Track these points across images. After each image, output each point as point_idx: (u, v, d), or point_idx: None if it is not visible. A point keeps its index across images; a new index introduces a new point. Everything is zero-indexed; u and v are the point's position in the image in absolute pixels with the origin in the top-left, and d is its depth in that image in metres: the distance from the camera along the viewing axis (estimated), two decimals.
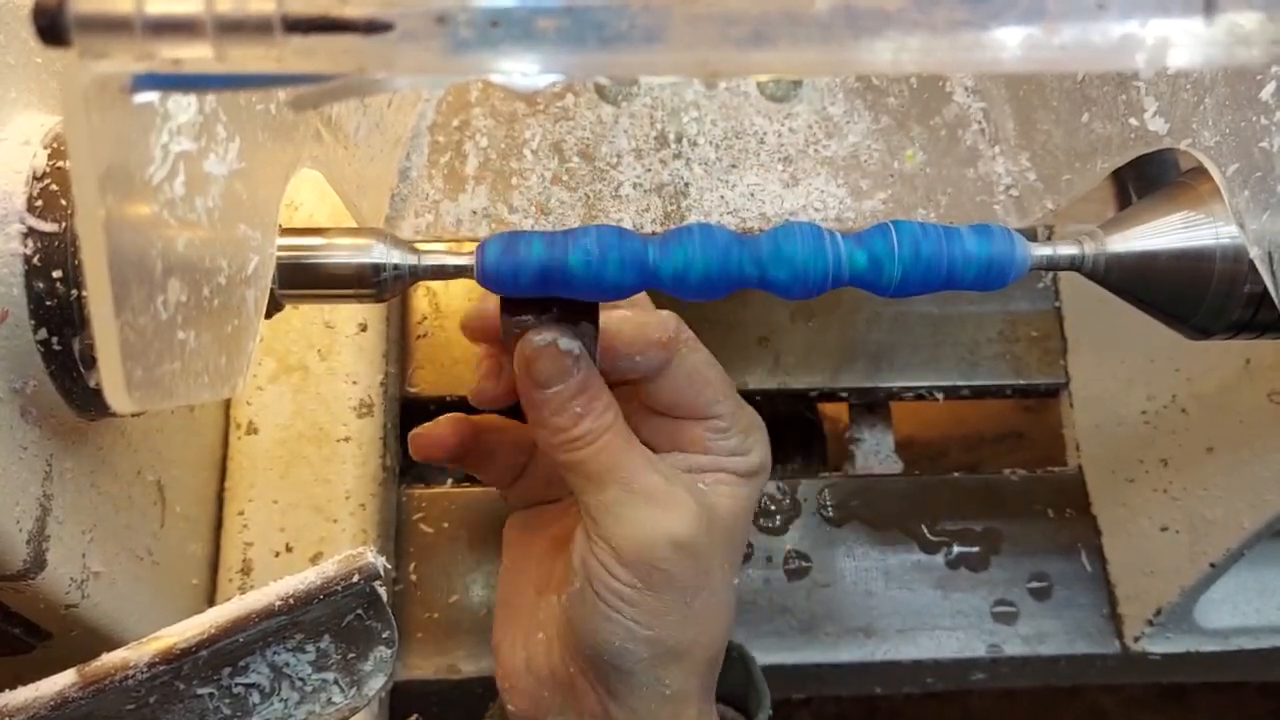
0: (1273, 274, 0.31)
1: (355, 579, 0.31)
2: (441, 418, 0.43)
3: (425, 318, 0.62)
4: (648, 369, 0.38)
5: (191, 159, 0.26)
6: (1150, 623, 0.58)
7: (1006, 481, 0.63)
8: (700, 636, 0.38)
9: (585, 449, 0.36)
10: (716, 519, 0.38)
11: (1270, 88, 0.30)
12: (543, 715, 0.40)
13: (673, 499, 0.37)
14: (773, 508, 0.62)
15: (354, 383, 0.54)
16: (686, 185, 0.48)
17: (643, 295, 0.41)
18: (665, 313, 0.39)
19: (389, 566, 0.31)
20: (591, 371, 0.36)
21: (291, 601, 0.30)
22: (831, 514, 0.62)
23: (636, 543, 0.36)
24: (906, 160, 0.49)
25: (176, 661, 0.29)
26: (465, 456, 0.43)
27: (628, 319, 0.38)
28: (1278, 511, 0.49)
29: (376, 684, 0.32)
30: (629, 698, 0.38)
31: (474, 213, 0.47)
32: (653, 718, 0.38)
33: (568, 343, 0.36)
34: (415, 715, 0.44)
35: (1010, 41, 0.21)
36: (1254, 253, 0.32)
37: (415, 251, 0.34)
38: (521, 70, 0.22)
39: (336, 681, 0.32)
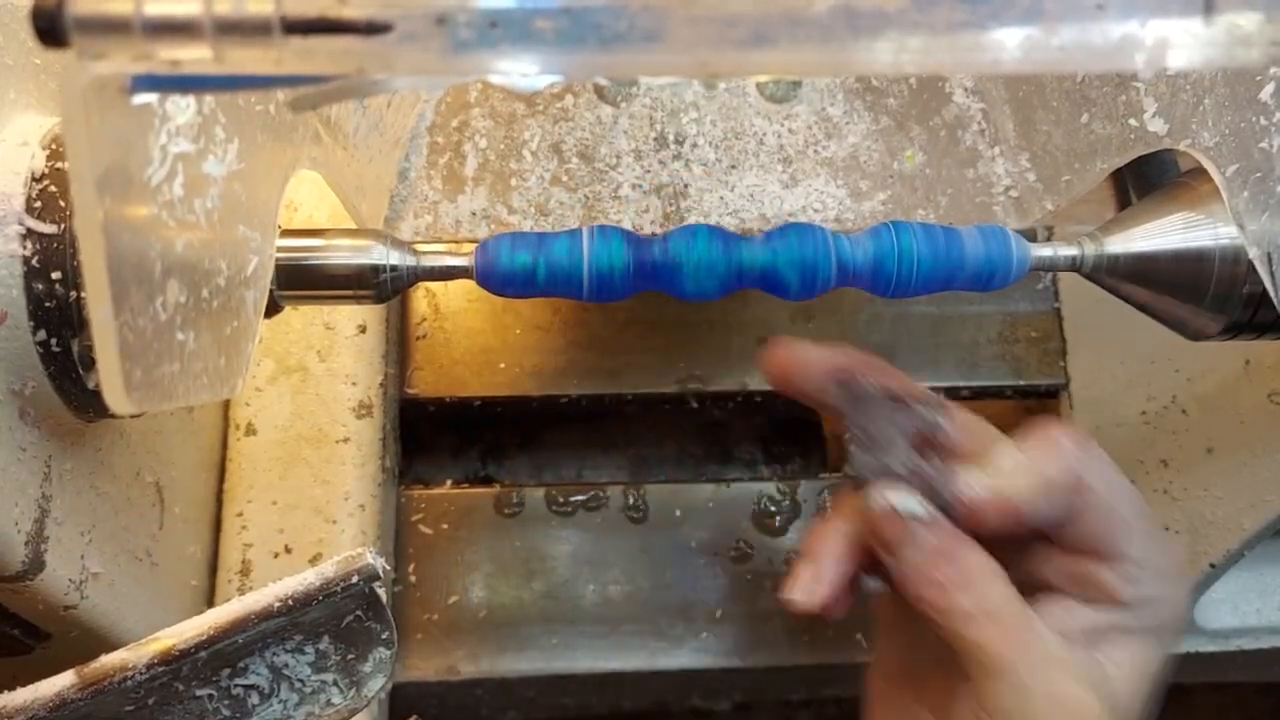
0: (1272, 274, 0.31)
1: (354, 580, 0.31)
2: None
3: (425, 319, 0.62)
4: (1050, 518, 0.32)
5: (190, 160, 0.25)
6: None
7: None
8: None
9: (967, 630, 0.30)
10: (1116, 710, 0.32)
11: (1270, 88, 0.30)
12: None
13: (1082, 711, 0.30)
14: (773, 509, 0.62)
15: (353, 384, 0.54)
16: (686, 186, 0.48)
17: (1042, 425, 0.34)
18: (1064, 438, 0.33)
19: (388, 567, 0.31)
20: (952, 537, 0.31)
21: (291, 603, 0.30)
22: None
23: None
24: (906, 161, 0.49)
25: (175, 663, 0.29)
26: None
27: (1020, 466, 0.32)
28: (1278, 512, 0.49)
29: (376, 685, 0.32)
30: None
31: (473, 214, 0.47)
32: None
33: (907, 504, 0.32)
34: (414, 716, 0.44)
35: (1010, 42, 0.21)
36: (1253, 253, 0.32)
37: (414, 253, 0.34)
38: (521, 71, 0.22)
39: (336, 683, 0.32)
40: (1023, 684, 0.30)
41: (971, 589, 0.31)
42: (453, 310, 0.62)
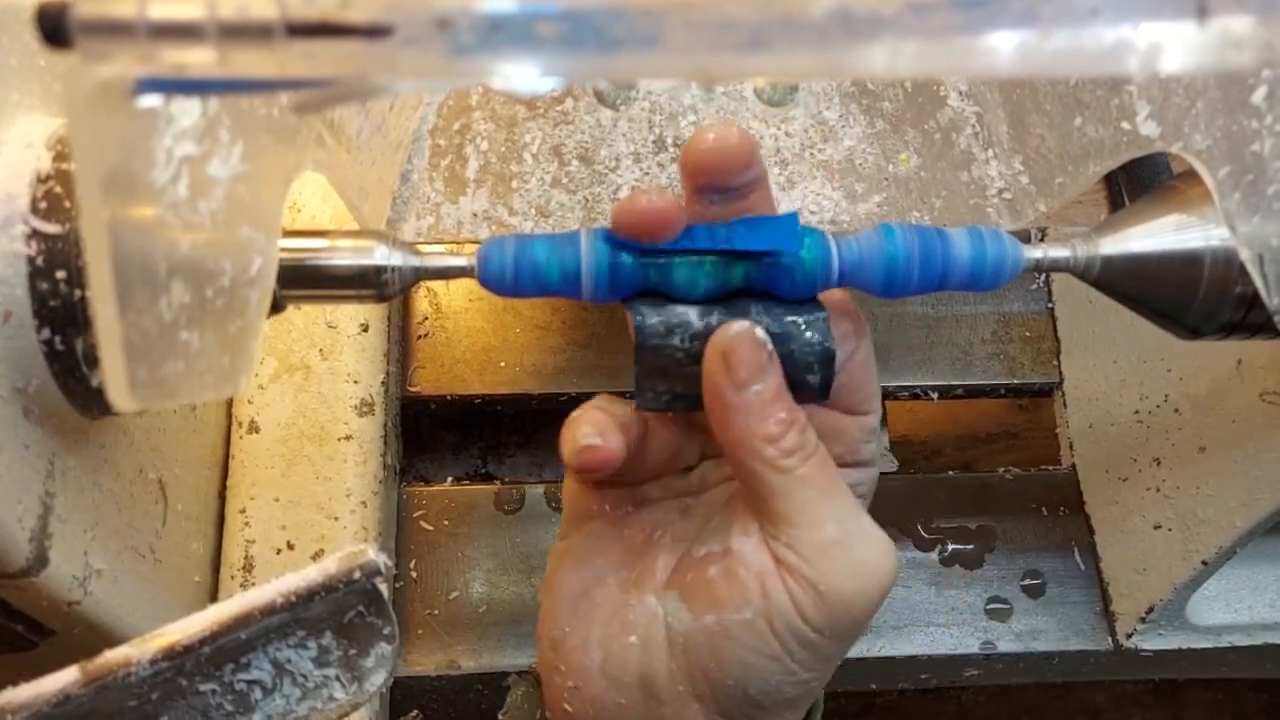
0: (1263, 276, 0.31)
1: (356, 576, 0.31)
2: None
3: (426, 318, 0.62)
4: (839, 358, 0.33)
5: (195, 162, 0.26)
6: (1143, 620, 0.58)
7: (1000, 480, 0.64)
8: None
9: (802, 468, 0.31)
10: None
11: (1262, 91, 0.31)
12: None
13: (885, 544, 0.32)
14: None
15: (355, 382, 0.54)
16: None
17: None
18: (837, 292, 0.34)
19: (390, 564, 0.32)
20: (782, 375, 0.32)
21: (293, 598, 0.31)
22: None
23: (848, 592, 0.31)
24: (901, 164, 0.50)
25: (179, 658, 0.30)
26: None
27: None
28: (1269, 510, 0.49)
29: (378, 680, 0.32)
30: None
31: (474, 215, 0.48)
32: None
33: (764, 333, 0.32)
34: (416, 711, 0.44)
35: (1004, 46, 0.22)
36: (1245, 255, 0.32)
37: (417, 253, 0.35)
38: (522, 74, 0.22)
39: (338, 678, 0.32)
40: (843, 521, 0.31)
41: (801, 428, 0.32)
42: (454, 309, 0.62)
